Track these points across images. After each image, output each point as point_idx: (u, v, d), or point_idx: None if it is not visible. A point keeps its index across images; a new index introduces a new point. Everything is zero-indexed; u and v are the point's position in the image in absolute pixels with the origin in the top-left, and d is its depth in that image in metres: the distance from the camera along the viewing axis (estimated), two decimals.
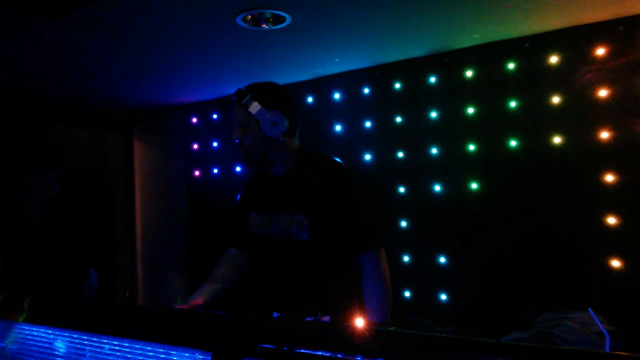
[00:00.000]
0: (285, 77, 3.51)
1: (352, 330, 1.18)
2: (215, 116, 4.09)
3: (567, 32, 2.74)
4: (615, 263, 2.59)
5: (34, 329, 1.52)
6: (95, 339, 1.37)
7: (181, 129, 4.30)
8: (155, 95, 3.94)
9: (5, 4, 2.03)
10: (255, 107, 1.79)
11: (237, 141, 1.86)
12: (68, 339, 1.42)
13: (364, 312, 1.74)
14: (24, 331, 1.55)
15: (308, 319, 1.58)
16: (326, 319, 1.61)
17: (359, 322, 1.51)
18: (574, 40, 2.73)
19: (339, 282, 1.82)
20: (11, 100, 3.81)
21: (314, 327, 1.25)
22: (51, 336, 1.47)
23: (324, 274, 1.82)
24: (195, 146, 4.21)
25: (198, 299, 1.87)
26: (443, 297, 3.03)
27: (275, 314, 1.70)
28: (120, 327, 1.33)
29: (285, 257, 1.83)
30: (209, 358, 1.15)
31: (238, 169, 3.93)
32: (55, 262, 2.62)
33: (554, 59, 2.78)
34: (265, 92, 1.85)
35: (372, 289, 1.76)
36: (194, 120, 4.21)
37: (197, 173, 4.20)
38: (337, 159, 1.90)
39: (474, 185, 2.98)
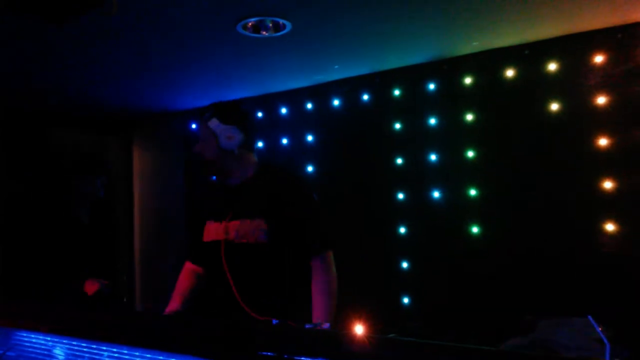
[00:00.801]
0: (285, 83, 3.52)
1: (352, 338, 1.18)
2: None
3: (566, 39, 2.75)
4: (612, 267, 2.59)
5: (33, 335, 1.52)
6: (94, 346, 1.37)
7: (181, 135, 4.30)
8: (155, 101, 3.95)
9: (11, 8, 2.05)
10: (213, 122, 1.97)
11: (194, 153, 2.04)
12: (67, 345, 1.42)
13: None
14: (22, 338, 1.54)
15: (307, 326, 1.57)
16: (326, 326, 1.61)
17: (359, 330, 1.50)
18: (573, 47, 2.74)
19: (292, 284, 1.95)
20: (12, 103, 3.81)
21: (314, 334, 1.25)
22: (50, 343, 1.47)
23: (279, 276, 1.94)
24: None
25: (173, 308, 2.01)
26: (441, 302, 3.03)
27: (274, 321, 1.70)
28: (120, 334, 1.33)
29: (242, 260, 1.91)
30: None
31: None
32: (105, 256, 3.06)
33: (552, 66, 2.80)
34: (224, 109, 2.03)
35: (318, 288, 1.90)
36: (194, 126, 4.21)
37: (196, 179, 4.19)
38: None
39: (473, 192, 2.98)
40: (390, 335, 1.34)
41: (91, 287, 2.73)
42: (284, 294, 1.94)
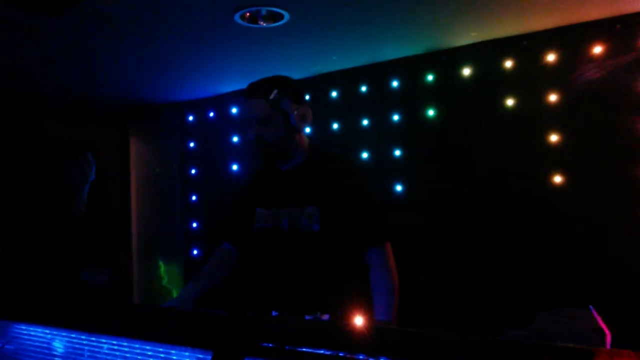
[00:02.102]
0: (283, 74, 3.49)
1: (354, 328, 1.18)
2: (211, 114, 4.07)
3: (565, 30, 2.74)
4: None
5: (32, 328, 1.51)
6: (93, 339, 1.36)
7: (177, 127, 4.28)
8: (151, 93, 3.92)
9: (3, 1, 2.01)
10: (285, 102, 1.78)
11: (254, 137, 1.82)
12: (66, 338, 1.41)
13: (367, 309, 1.74)
14: (21, 331, 1.53)
15: (307, 317, 1.57)
16: (325, 317, 1.60)
17: (360, 320, 1.50)
18: (572, 38, 2.73)
19: (345, 278, 1.82)
20: (5, 97, 3.78)
21: (316, 325, 1.25)
22: (49, 336, 1.46)
23: (331, 268, 1.80)
24: (192, 144, 4.19)
25: (187, 296, 1.86)
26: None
27: (274, 313, 1.69)
28: (119, 326, 1.32)
29: (292, 249, 1.81)
30: (210, 358, 1.14)
31: (235, 167, 3.92)
32: (105, 246, 3.00)
33: (551, 57, 2.79)
34: (293, 86, 1.86)
35: (378, 284, 1.77)
36: (190, 118, 4.19)
37: (193, 171, 4.18)
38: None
39: (473, 184, 2.98)
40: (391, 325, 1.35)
41: (93, 277, 2.72)
42: (337, 288, 1.79)
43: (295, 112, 1.78)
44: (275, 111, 1.78)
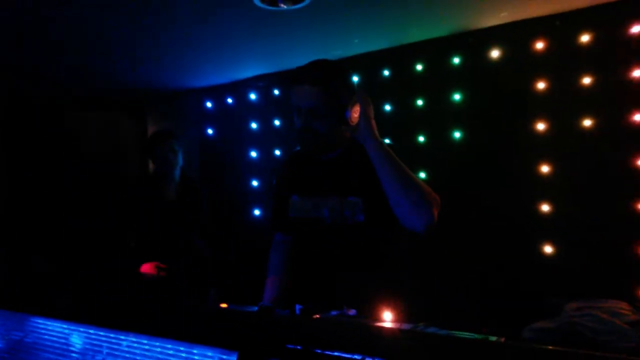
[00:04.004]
0: (302, 59, 3.36)
1: (385, 331, 1.11)
2: (230, 100, 4.00)
3: (600, 9, 2.59)
4: None
5: (49, 323, 1.47)
6: (112, 335, 1.31)
7: (196, 113, 4.22)
8: (169, 79, 3.86)
9: None
10: (342, 92, 1.65)
11: (301, 126, 1.69)
12: (84, 334, 1.36)
13: (399, 306, 1.65)
14: (38, 325, 1.50)
15: (333, 312, 1.50)
16: (352, 312, 1.53)
17: (390, 320, 1.43)
18: (607, 18, 2.59)
19: (384, 271, 1.73)
20: (24, 85, 3.76)
21: (344, 327, 1.18)
22: (67, 331, 1.42)
23: (374, 260, 1.72)
24: (210, 131, 4.14)
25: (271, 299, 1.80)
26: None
27: (297, 307, 1.63)
28: (140, 323, 1.27)
29: (335, 241, 1.72)
30: (234, 358, 1.08)
31: (254, 154, 3.85)
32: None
33: (585, 38, 2.65)
34: (347, 75, 1.72)
35: None
36: (209, 104, 4.12)
37: (211, 158, 4.13)
38: None
39: (498, 172, 2.87)
40: (419, 326, 1.27)
41: (147, 270, 2.70)
42: (377, 281, 1.71)
43: (351, 106, 1.64)
44: (331, 102, 1.65)
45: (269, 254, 1.94)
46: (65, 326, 1.41)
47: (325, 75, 1.65)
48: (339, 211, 1.68)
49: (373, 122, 1.62)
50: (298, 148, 1.90)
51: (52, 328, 1.44)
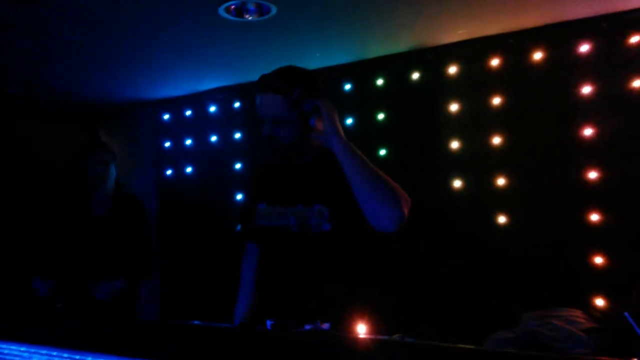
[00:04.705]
0: (262, 71, 3.37)
1: (354, 340, 1.11)
2: (189, 112, 3.93)
3: (552, 28, 2.72)
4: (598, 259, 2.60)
5: (5, 346, 1.37)
6: (77, 357, 1.23)
7: (151, 126, 4.11)
8: (124, 90, 3.76)
9: None
10: (305, 100, 1.63)
11: (266, 135, 1.66)
12: (46, 357, 1.28)
13: (369, 317, 1.64)
14: None
15: (307, 327, 1.48)
16: (325, 326, 1.51)
17: (363, 331, 1.43)
18: (559, 36, 2.72)
19: (352, 282, 1.72)
20: None
21: (316, 338, 1.16)
22: (25, 354, 1.33)
23: (341, 271, 1.70)
24: (167, 144, 4.04)
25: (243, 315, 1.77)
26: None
27: (268, 322, 1.59)
28: (107, 342, 1.20)
29: (301, 250, 1.69)
30: None
31: (212, 168, 3.79)
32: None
33: (538, 55, 2.77)
34: (312, 81, 1.68)
35: None
36: (166, 117, 4.03)
37: (168, 172, 4.03)
38: None
39: (458, 184, 2.94)
40: (395, 337, 1.27)
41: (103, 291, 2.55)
42: (345, 293, 1.69)
43: (315, 113, 1.63)
44: (295, 111, 1.63)
45: (240, 264, 1.90)
46: (23, 349, 1.32)
47: (289, 84, 1.63)
48: (305, 219, 1.66)
49: (338, 124, 1.62)
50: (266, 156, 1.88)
51: (8, 352, 1.35)
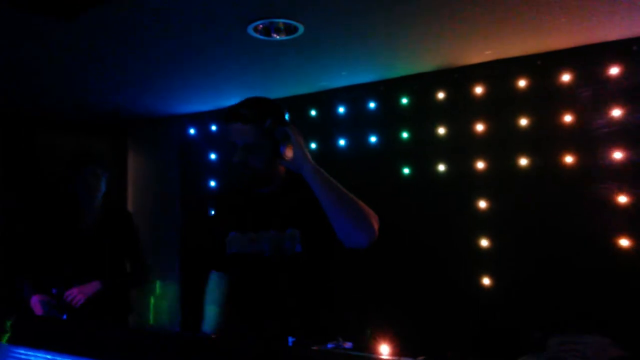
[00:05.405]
0: (288, 89, 3.43)
1: None
2: (214, 128, 3.99)
3: (580, 50, 2.70)
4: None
5: (31, 352, 1.39)
6: None
7: (178, 140, 4.18)
8: (153, 105, 3.83)
9: (16, 6, 1.91)
10: (276, 129, 1.72)
11: (237, 162, 1.73)
12: None
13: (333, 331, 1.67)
14: (19, 355, 1.42)
15: (330, 345, 1.47)
16: (348, 345, 1.51)
17: (385, 352, 1.41)
18: (587, 58, 2.69)
19: (326, 299, 1.82)
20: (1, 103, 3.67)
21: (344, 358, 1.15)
22: (32, 358, 1.36)
23: (316, 287, 1.80)
24: (192, 158, 4.10)
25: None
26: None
27: (290, 339, 1.59)
28: (110, 349, 1.21)
29: (278, 274, 1.77)
30: None
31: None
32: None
33: (566, 77, 2.74)
34: (280, 111, 1.78)
35: None
36: (192, 131, 4.10)
37: (193, 186, 4.08)
38: None
39: (482, 204, 2.91)
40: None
41: (36, 304, 2.53)
42: (323, 309, 1.79)
43: (285, 141, 1.72)
44: (267, 139, 1.72)
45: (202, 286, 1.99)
46: (49, 356, 1.34)
47: (259, 113, 1.72)
48: (280, 244, 1.74)
49: (306, 150, 1.70)
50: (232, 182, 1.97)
51: (16, 355, 1.37)
